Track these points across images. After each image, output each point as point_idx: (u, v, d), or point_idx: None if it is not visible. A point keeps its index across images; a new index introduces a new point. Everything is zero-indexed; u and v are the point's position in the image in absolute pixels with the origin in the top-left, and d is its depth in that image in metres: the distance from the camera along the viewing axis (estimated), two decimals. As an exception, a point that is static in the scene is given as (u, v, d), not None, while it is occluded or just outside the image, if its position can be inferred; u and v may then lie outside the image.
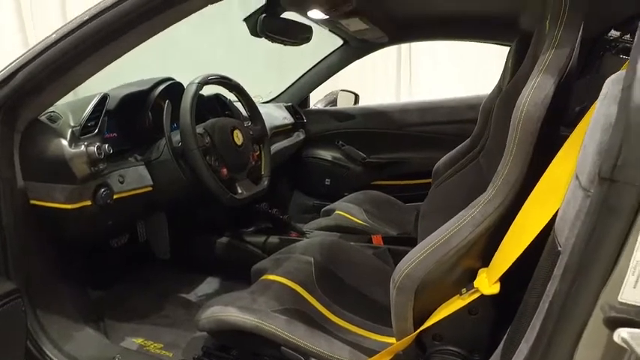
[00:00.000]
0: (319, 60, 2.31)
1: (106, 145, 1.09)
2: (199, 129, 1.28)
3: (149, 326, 1.49)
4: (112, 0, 0.91)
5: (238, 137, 1.35)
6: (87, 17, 0.93)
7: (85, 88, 1.11)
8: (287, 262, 1.33)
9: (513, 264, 0.64)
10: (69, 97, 1.18)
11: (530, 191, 0.66)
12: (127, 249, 1.72)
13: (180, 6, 0.92)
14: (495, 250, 0.71)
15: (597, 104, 0.52)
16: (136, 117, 1.33)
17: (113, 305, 1.54)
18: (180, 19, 0.97)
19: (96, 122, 1.15)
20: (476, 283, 0.70)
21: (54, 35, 0.95)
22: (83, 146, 1.05)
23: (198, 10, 0.95)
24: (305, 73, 2.38)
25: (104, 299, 1.56)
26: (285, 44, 1.60)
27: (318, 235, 1.73)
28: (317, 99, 2.67)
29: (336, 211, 1.94)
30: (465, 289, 0.72)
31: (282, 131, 2.22)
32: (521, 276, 0.64)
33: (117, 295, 1.62)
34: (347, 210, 1.91)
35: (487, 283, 0.68)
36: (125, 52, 1.01)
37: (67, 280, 1.24)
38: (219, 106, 1.67)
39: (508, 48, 1.60)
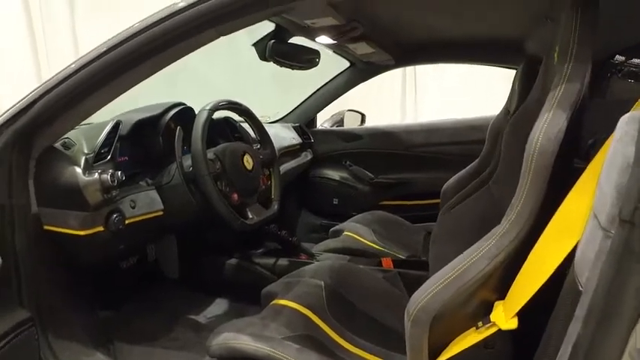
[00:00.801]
0: (326, 81, 2.33)
1: (119, 172, 1.10)
2: (210, 154, 1.28)
3: (159, 349, 1.48)
4: (129, 33, 0.93)
5: (248, 162, 1.35)
6: (104, 49, 0.94)
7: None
8: (297, 286, 1.32)
9: (531, 298, 0.63)
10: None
11: (546, 224, 0.66)
12: (136, 268, 1.72)
13: (193, 39, 0.93)
14: (511, 283, 0.70)
15: (612, 143, 0.52)
16: (147, 141, 1.35)
17: (122, 327, 1.53)
18: (192, 51, 0.99)
19: (109, 148, 1.16)
20: (493, 317, 0.69)
21: (73, 66, 0.96)
22: (97, 174, 1.06)
23: (210, 42, 0.96)
24: (312, 94, 2.40)
25: (113, 320, 1.55)
26: (293, 68, 1.61)
27: (327, 258, 1.72)
28: (324, 119, 2.68)
29: (345, 232, 1.93)
30: (481, 322, 0.71)
31: (290, 151, 2.23)
32: (539, 310, 0.63)
33: (126, 316, 1.61)
34: (355, 231, 1.91)
35: (504, 317, 0.67)
36: (138, 83, 1.03)
37: (77, 304, 1.24)
38: (229, 130, 1.68)
39: (515, 70, 1.61)
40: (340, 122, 2.68)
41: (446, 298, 0.71)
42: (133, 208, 1.20)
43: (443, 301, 0.71)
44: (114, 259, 1.44)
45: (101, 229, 1.11)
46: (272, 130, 2.20)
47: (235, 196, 1.29)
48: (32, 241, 1.07)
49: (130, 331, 1.52)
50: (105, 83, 0.97)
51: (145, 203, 1.24)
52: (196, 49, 0.99)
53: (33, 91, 0.98)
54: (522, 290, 0.65)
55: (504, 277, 0.71)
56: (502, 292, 0.72)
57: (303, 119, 2.47)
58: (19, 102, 1.00)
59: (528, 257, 0.67)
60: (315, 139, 2.45)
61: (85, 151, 1.09)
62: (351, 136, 2.45)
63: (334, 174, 2.46)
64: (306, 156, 2.40)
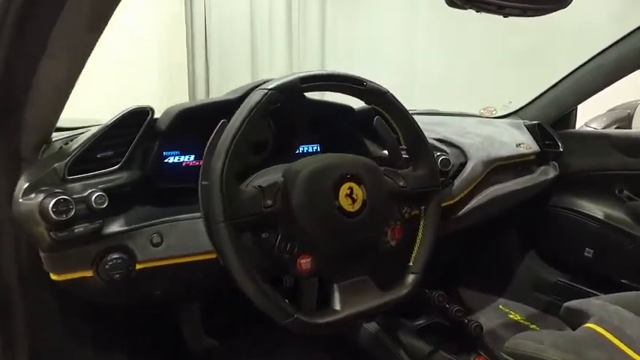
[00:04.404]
0: (604, 47, 1.27)
1: (95, 196, 0.61)
2: (273, 175, 0.65)
3: None
4: None
5: (352, 196, 0.64)
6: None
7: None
8: None
9: None
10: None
11: None
12: None
13: None
14: None
15: None
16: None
17: None
18: None
19: (119, 152, 0.69)
20: None
21: None
22: (41, 198, 0.59)
23: None
24: (572, 72, 1.37)
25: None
26: (505, 14, 0.77)
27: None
28: (591, 115, 1.57)
29: (590, 323, 0.95)
30: None
31: (513, 164, 1.33)
32: None
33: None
34: (616, 325, 0.91)
35: None
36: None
37: (104, 351, 0.86)
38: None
39: None
40: (624, 121, 1.51)
41: None
42: (157, 245, 0.70)
43: None
44: (150, 304, 0.98)
45: (88, 274, 0.66)
46: (486, 131, 1.35)
47: (305, 261, 0.62)
48: (27, 270, 0.72)
49: None
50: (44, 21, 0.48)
51: (183, 239, 0.72)
52: None
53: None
54: None
55: None
56: None
57: (549, 114, 1.47)
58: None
59: None
60: (568, 146, 1.42)
61: (65, 154, 0.65)
62: (640, 146, 1.32)
63: (595, 208, 1.39)
64: (546, 173, 1.41)
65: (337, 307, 0.63)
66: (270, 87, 0.61)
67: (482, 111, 1.64)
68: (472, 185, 1.17)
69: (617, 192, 1.34)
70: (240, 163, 0.59)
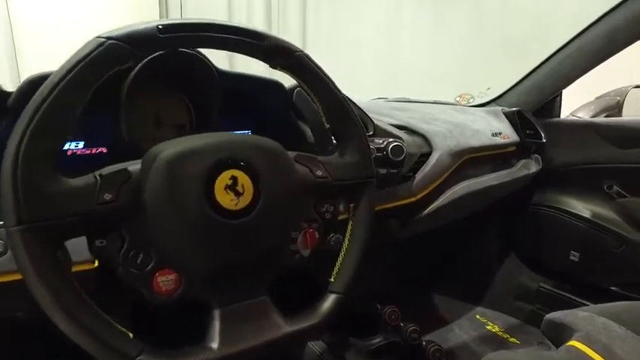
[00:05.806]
0: (589, 23, 1.09)
1: None
2: (131, 165, 0.46)
3: None
4: None
5: (235, 189, 0.46)
6: None
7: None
8: None
9: None
10: None
11: None
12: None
13: None
14: None
15: None
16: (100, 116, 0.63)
17: None
18: None
19: None
20: None
21: None
22: None
23: None
24: (555, 53, 1.19)
25: None
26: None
27: None
28: (578, 103, 1.39)
29: (575, 340, 0.77)
30: None
31: (490, 157, 1.15)
32: None
33: None
34: (603, 342, 0.73)
35: None
36: None
37: None
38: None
39: None
40: (613, 109, 1.33)
41: None
42: None
43: None
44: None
45: None
46: (459, 118, 1.16)
47: (167, 279, 0.43)
48: None
49: None
50: None
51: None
52: None
53: None
54: None
55: None
56: None
57: (530, 101, 1.29)
58: None
59: None
60: (551, 137, 1.24)
61: None
62: (634, 135, 1.13)
63: (581, 206, 1.21)
64: (527, 167, 1.23)
65: (213, 343, 0.44)
66: (109, 35, 0.42)
67: (457, 99, 1.46)
68: (438, 180, 0.98)
69: (605, 188, 1.16)
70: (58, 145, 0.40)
